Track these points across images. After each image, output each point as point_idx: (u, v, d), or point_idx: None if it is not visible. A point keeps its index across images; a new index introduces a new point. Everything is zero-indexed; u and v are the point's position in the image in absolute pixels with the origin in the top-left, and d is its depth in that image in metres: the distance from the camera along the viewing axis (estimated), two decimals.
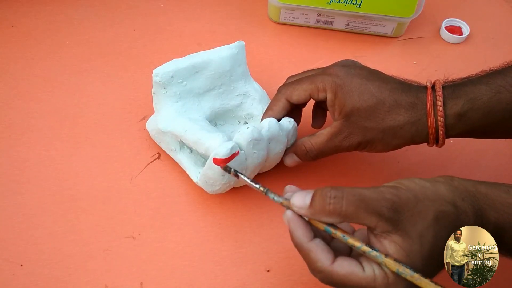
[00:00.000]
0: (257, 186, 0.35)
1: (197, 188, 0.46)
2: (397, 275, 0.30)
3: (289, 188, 0.35)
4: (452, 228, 0.31)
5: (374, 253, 0.30)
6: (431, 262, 0.31)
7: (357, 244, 0.31)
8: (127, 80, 0.55)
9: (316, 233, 0.33)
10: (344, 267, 0.31)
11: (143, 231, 0.45)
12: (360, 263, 0.31)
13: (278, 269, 0.43)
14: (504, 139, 0.44)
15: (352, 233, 0.35)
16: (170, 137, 0.46)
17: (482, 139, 0.44)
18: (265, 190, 0.34)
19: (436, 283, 0.29)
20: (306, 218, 0.33)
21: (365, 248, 0.31)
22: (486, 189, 0.33)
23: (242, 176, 0.36)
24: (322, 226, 0.32)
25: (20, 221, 0.44)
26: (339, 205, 0.31)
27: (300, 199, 0.32)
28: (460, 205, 0.32)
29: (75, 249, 0.43)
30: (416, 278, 0.29)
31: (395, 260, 0.30)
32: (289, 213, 0.33)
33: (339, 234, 0.32)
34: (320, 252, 0.32)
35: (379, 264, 0.30)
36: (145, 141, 0.50)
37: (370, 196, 0.31)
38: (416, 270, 0.29)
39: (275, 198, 0.34)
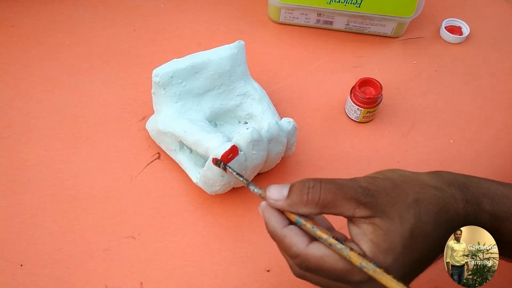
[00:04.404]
0: (241, 179, 0.36)
1: (197, 188, 0.46)
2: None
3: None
4: (437, 212, 0.30)
5: (339, 245, 0.30)
6: (414, 245, 0.30)
7: (324, 236, 0.31)
8: (127, 80, 0.55)
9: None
10: (320, 248, 0.31)
11: (143, 231, 0.45)
12: None
13: (278, 269, 0.43)
14: (504, 138, 0.44)
15: (330, 231, 0.34)
16: (170, 138, 0.46)
17: (481, 138, 0.44)
18: (247, 183, 0.35)
19: (398, 281, 0.28)
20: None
21: (332, 240, 0.30)
22: (479, 179, 0.33)
23: (230, 170, 0.37)
24: (294, 218, 0.32)
25: (20, 221, 0.44)
26: (317, 194, 0.31)
27: (277, 191, 0.32)
28: (446, 189, 0.31)
29: (75, 249, 0.43)
30: (378, 273, 0.28)
31: (360, 254, 0.29)
32: (263, 203, 0.33)
33: (308, 225, 0.31)
34: (294, 236, 0.31)
35: (345, 258, 0.30)
36: (145, 141, 0.50)
37: (347, 184, 0.31)
38: (380, 264, 0.29)
39: (255, 190, 0.34)
